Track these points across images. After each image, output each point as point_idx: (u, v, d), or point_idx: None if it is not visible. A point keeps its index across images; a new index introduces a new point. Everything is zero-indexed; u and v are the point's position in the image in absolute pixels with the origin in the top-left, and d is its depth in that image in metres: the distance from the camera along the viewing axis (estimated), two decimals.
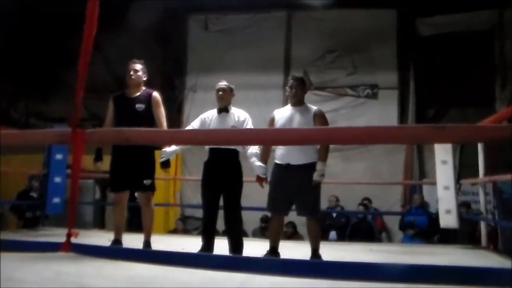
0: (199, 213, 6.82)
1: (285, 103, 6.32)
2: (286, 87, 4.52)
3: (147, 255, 3.30)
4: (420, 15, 9.78)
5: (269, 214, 4.74)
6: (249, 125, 4.56)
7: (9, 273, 2.64)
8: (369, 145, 9.00)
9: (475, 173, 6.39)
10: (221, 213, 4.56)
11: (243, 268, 2.80)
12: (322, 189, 4.36)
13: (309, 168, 4.20)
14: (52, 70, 10.89)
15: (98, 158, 4.66)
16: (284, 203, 4.37)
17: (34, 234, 6.46)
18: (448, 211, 6.02)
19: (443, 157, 6.01)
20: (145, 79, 4.72)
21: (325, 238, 7.73)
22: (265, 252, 4.29)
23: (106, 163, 4.70)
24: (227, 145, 4.41)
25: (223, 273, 2.81)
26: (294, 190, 4.27)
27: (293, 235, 8.05)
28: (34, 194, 8.24)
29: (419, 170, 9.67)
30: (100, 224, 9.78)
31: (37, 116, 11.33)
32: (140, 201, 4.71)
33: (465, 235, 7.18)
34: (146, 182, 4.58)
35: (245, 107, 4.79)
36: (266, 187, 4.45)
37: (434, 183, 6.57)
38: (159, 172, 4.78)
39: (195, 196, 8.96)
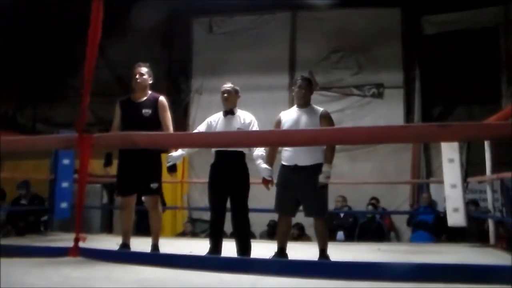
0: (206, 215, 6.84)
1: (291, 104, 6.33)
2: (294, 87, 4.48)
3: (155, 259, 3.31)
4: (424, 13, 9.75)
5: (275, 218, 4.75)
6: (255, 127, 4.57)
7: (18, 278, 2.66)
8: (376, 144, 8.99)
9: (483, 171, 6.36)
10: (228, 216, 4.56)
11: (251, 269, 2.80)
12: (329, 190, 4.36)
13: (316, 169, 4.20)
14: (58, 75, 10.95)
15: (108, 163, 4.68)
16: (292, 204, 4.37)
17: (42, 240, 6.48)
18: (455, 210, 6.00)
19: (450, 155, 5.99)
20: (150, 82, 4.72)
21: (333, 238, 7.72)
22: (273, 254, 4.30)
23: (114, 168, 4.72)
24: (233, 148, 4.41)
25: (232, 275, 2.82)
26: (302, 191, 4.27)
27: (301, 236, 8.04)
28: (24, 202, 8.24)
29: (426, 169, 9.64)
30: (108, 228, 9.79)
31: (44, 122, 11.37)
32: (148, 204, 4.72)
33: (473, 233, 7.15)
34: (153, 185, 4.58)
35: (251, 109, 4.80)
36: (273, 189, 4.46)
37: (441, 182, 6.55)
38: (166, 176, 4.78)
39: (202, 199, 8.98)
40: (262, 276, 2.76)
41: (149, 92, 4.70)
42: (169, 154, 4.56)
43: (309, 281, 2.62)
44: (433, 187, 8.94)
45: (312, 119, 4.32)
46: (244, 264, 3.03)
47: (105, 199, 10.39)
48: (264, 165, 4.42)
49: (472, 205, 7.64)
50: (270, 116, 5.11)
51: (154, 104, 4.62)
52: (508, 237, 6.58)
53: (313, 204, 4.29)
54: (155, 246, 4.64)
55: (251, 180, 4.58)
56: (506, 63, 9.33)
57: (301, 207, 4.42)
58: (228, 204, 4.55)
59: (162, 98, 4.68)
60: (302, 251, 4.99)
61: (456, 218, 6.06)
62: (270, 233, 8.22)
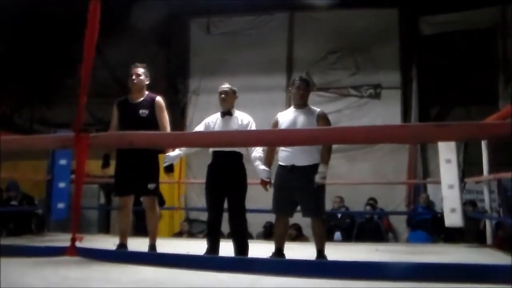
0: (204, 216, 6.83)
1: (288, 105, 6.34)
2: (292, 88, 4.49)
3: (153, 258, 3.30)
4: (422, 14, 9.76)
5: (272, 220, 4.75)
6: (253, 128, 4.57)
7: (16, 278, 2.65)
8: (373, 145, 9.00)
9: (480, 171, 6.37)
10: (226, 216, 4.56)
11: (249, 269, 2.79)
12: (327, 190, 4.37)
13: (314, 169, 4.21)
14: (56, 76, 10.93)
15: (106, 164, 4.68)
16: (289, 204, 4.38)
17: (39, 240, 6.48)
18: (453, 210, 6.01)
19: (447, 156, 5.99)
20: (147, 83, 4.71)
21: (330, 239, 7.72)
22: (270, 254, 4.30)
23: (111, 168, 4.71)
24: (231, 148, 4.42)
25: (231, 276, 2.81)
26: (299, 191, 4.27)
27: (298, 236, 8.04)
28: (15, 202, 8.20)
29: (423, 169, 9.66)
30: (105, 229, 9.79)
31: (41, 122, 11.35)
32: (145, 205, 4.72)
33: (471, 233, 7.16)
34: (151, 186, 4.58)
35: (248, 109, 4.80)
36: (270, 190, 4.46)
37: (438, 182, 6.56)
38: (163, 176, 4.78)
39: (200, 200, 8.98)
40: (260, 277, 2.76)
41: (146, 92, 4.70)
42: (166, 154, 4.56)
43: (307, 281, 2.62)
44: (430, 188, 8.96)
45: (309, 120, 4.32)
46: (242, 263, 3.02)
47: (102, 200, 10.38)
48: (262, 167, 4.42)
49: (469, 205, 7.65)
50: (268, 116, 5.11)
51: (151, 104, 4.62)
52: (506, 237, 6.58)
53: (310, 204, 4.29)
54: (152, 246, 4.64)
55: (249, 181, 4.58)
56: (503, 64, 9.35)
57: (298, 208, 4.42)
58: (226, 205, 4.56)
59: (159, 99, 4.68)
60: (300, 251, 4.99)
61: (453, 218, 6.07)
62: (266, 235, 8.23)
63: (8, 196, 8.28)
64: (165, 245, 5.05)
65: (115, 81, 10.33)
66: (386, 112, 9.71)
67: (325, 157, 4.23)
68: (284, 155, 4.34)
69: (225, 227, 4.66)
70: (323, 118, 4.36)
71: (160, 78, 10.00)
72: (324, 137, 2.83)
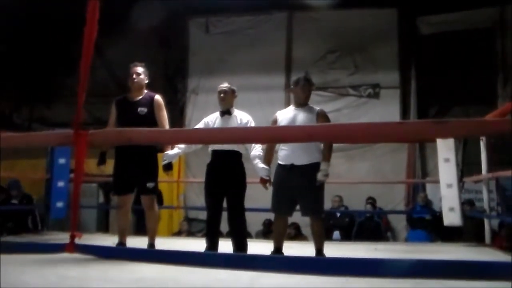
0: (203, 215, 6.83)
1: (287, 104, 6.34)
2: (296, 87, 4.45)
3: (151, 255, 3.30)
4: (420, 13, 9.77)
5: (271, 217, 4.75)
6: None
7: (14, 277, 2.65)
8: (372, 144, 9.01)
9: (478, 171, 6.37)
10: (225, 215, 4.56)
11: (248, 266, 2.79)
12: (326, 189, 4.37)
13: (313, 168, 4.21)
14: (55, 75, 10.92)
15: (102, 161, 4.67)
16: (288, 203, 4.38)
17: (38, 239, 6.47)
18: (451, 209, 5.97)
19: (445, 155, 5.95)
20: (147, 82, 4.72)
21: (329, 238, 7.72)
22: (269, 253, 4.30)
23: (109, 167, 4.71)
24: (230, 146, 4.42)
25: (230, 274, 2.81)
26: (298, 190, 4.27)
27: (297, 236, 8.04)
28: (15, 201, 8.20)
29: (422, 168, 9.67)
30: (104, 228, 9.78)
31: (40, 121, 11.36)
32: (144, 204, 4.71)
33: (470, 233, 7.16)
34: (149, 185, 4.59)
35: (247, 109, 4.80)
36: (269, 189, 4.46)
37: (437, 182, 6.55)
38: (162, 175, 4.78)
39: (199, 199, 8.99)
40: (259, 276, 2.76)
41: (145, 91, 4.71)
42: (165, 153, 4.56)
43: (306, 281, 2.61)
44: (429, 187, 8.97)
45: (309, 118, 4.32)
46: (241, 260, 3.02)
47: (101, 199, 10.37)
48: (262, 165, 4.43)
49: (467, 205, 7.65)
50: (267, 116, 5.12)
51: (150, 102, 4.62)
52: (505, 236, 6.59)
53: (309, 203, 4.29)
54: (151, 246, 4.64)
55: (248, 179, 4.59)
56: (502, 63, 9.36)
57: (297, 207, 4.42)
58: (225, 204, 4.56)
59: (158, 97, 4.68)
60: (299, 250, 4.99)
61: (452, 217, 6.02)
62: (265, 232, 8.23)
63: (9, 194, 8.29)
64: (164, 244, 5.04)
65: (114, 81, 10.33)
66: (385, 111, 9.71)
67: (327, 155, 4.23)
68: (284, 154, 4.34)
69: (224, 226, 4.66)
70: (322, 116, 4.36)
71: (159, 78, 10.01)
72: (322, 134, 2.83)
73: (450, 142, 5.93)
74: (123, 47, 9.98)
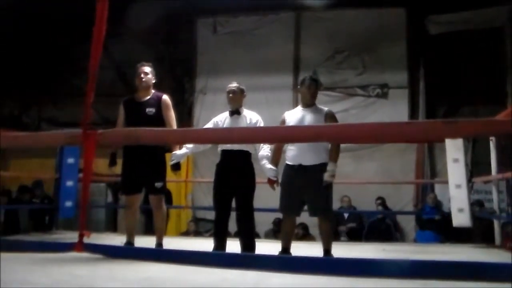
0: (210, 215, 6.84)
1: (295, 104, 6.33)
2: (302, 87, 4.46)
3: (159, 254, 3.31)
4: (429, 13, 9.71)
5: (281, 216, 4.74)
6: None
7: (22, 276, 2.66)
8: (381, 144, 8.97)
9: (488, 171, 6.34)
10: (233, 215, 4.56)
11: (255, 266, 2.79)
12: (334, 190, 4.36)
13: (321, 168, 4.20)
14: (63, 75, 10.97)
15: (113, 163, 4.69)
16: (296, 204, 4.37)
17: (48, 238, 6.50)
18: (460, 210, 5.96)
19: (454, 155, 5.95)
20: (154, 81, 4.73)
21: (337, 238, 7.71)
22: (277, 253, 4.29)
23: (119, 167, 4.72)
24: (239, 146, 4.42)
25: (236, 274, 2.81)
26: (306, 191, 4.27)
27: (305, 236, 8.03)
28: (36, 201, 8.32)
29: (430, 169, 9.62)
30: (112, 227, 9.81)
31: (49, 121, 11.41)
32: (152, 203, 4.72)
33: (479, 234, 7.12)
34: (158, 184, 4.59)
35: (255, 109, 4.79)
36: (277, 189, 4.46)
37: (446, 182, 6.52)
38: (170, 175, 4.79)
39: (206, 198, 8.98)
40: (266, 276, 2.75)
41: (153, 91, 4.71)
42: (173, 152, 4.56)
43: (313, 281, 2.61)
44: (438, 188, 8.92)
45: (317, 118, 4.31)
46: (248, 260, 3.02)
47: (109, 198, 10.41)
48: (269, 165, 4.42)
49: (476, 205, 7.61)
50: (275, 116, 5.10)
51: (157, 103, 4.63)
52: None
53: (317, 204, 4.29)
54: (159, 245, 4.65)
55: (257, 179, 4.58)
56: (511, 62, 9.29)
57: (305, 207, 4.42)
58: (233, 204, 4.55)
59: (165, 97, 4.68)
60: (306, 250, 4.98)
61: (461, 218, 6.02)
62: (275, 231, 8.20)
63: (33, 194, 8.48)
64: (172, 244, 5.05)
65: (122, 81, 10.36)
66: (393, 111, 9.67)
67: (334, 155, 4.23)
68: (292, 154, 4.33)
69: (232, 226, 4.65)
70: (331, 117, 4.36)
71: (167, 78, 10.02)
72: (330, 134, 2.82)
73: (459, 142, 5.92)
74: (130, 47, 10.02)
